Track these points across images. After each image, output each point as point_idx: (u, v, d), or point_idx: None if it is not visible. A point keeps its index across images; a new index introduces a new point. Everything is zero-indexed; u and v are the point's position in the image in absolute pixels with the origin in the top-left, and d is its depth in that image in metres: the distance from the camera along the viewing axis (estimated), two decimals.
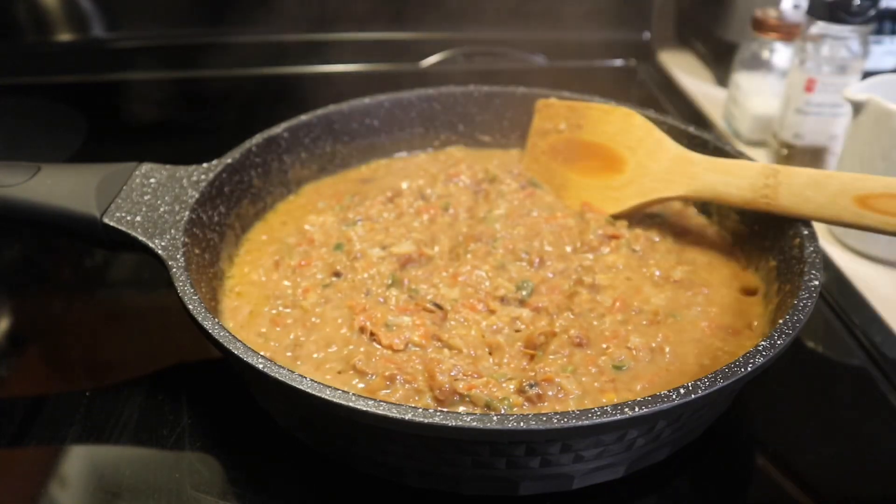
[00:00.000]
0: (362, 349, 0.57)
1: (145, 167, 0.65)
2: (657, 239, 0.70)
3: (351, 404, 0.44)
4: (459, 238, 0.69)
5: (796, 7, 1.04)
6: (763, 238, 0.65)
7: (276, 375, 0.46)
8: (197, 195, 0.63)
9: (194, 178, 0.65)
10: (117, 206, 0.61)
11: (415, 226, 0.71)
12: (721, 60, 1.16)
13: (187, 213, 0.61)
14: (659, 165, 0.69)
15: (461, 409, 0.52)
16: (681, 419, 0.50)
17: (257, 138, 0.73)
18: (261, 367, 0.47)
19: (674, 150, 0.69)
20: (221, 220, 0.67)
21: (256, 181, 0.73)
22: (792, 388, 0.64)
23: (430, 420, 0.43)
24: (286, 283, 0.65)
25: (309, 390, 0.45)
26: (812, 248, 0.58)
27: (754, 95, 1.00)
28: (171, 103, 1.17)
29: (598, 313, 0.60)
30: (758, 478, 0.57)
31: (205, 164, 0.67)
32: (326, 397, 0.45)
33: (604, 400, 0.53)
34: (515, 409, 0.52)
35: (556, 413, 0.43)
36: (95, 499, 0.54)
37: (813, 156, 0.93)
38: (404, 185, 0.76)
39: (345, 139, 0.82)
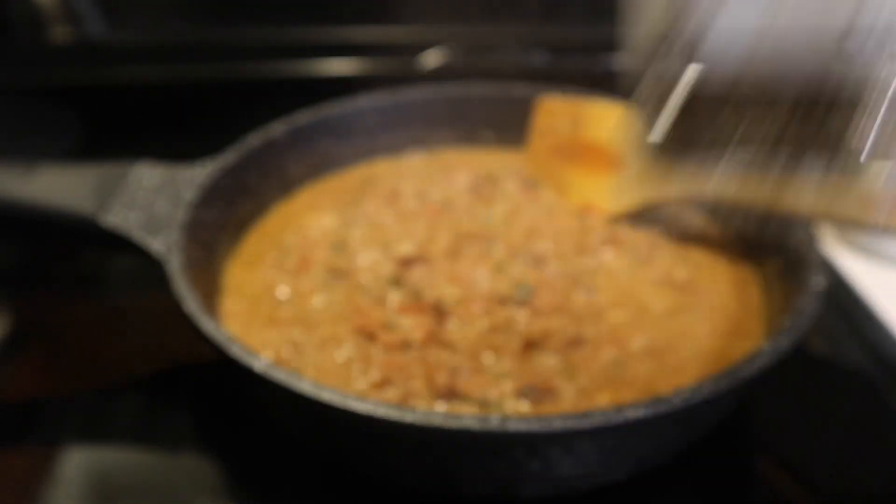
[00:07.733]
0: (361, 350, 0.57)
1: (143, 166, 0.65)
2: (657, 239, 0.69)
3: (350, 406, 0.44)
4: (459, 238, 0.69)
5: None
6: (765, 238, 0.65)
7: (275, 376, 0.46)
8: (195, 195, 0.63)
9: (192, 178, 0.65)
10: (114, 205, 0.61)
11: (414, 226, 0.70)
12: None
13: (185, 212, 0.61)
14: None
15: (460, 409, 0.52)
16: (683, 422, 0.50)
17: (256, 138, 0.73)
18: (259, 368, 0.47)
19: None
20: (219, 219, 0.67)
21: (254, 181, 0.73)
22: (793, 390, 0.64)
23: (431, 421, 0.43)
24: (285, 283, 0.65)
25: (308, 391, 0.45)
26: (815, 249, 0.57)
27: None
28: (168, 102, 1.17)
29: (597, 314, 0.60)
30: (761, 481, 0.57)
31: (203, 164, 0.67)
32: (325, 399, 0.44)
33: (602, 401, 0.53)
34: (510, 408, 0.52)
35: (557, 415, 0.43)
36: (94, 499, 0.54)
37: None
38: (404, 186, 0.76)
39: (344, 139, 0.81)
